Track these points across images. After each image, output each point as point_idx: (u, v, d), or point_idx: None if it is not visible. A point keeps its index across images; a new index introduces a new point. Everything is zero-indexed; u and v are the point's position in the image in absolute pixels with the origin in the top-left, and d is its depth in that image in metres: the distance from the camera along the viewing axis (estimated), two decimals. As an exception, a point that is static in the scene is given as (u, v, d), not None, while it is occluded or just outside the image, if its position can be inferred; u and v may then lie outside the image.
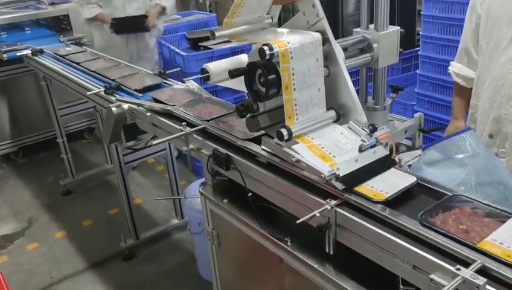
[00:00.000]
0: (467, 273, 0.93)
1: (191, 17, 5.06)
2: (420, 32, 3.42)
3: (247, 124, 1.40)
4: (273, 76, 1.27)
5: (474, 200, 1.16)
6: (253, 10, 1.38)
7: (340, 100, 1.39)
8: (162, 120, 1.91)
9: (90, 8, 3.98)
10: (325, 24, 1.33)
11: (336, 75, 1.37)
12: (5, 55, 3.67)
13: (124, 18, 3.97)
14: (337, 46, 1.36)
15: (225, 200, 1.64)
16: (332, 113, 1.37)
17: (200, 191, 1.75)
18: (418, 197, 1.23)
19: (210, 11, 6.65)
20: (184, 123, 1.78)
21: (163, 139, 1.82)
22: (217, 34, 1.37)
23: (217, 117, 1.78)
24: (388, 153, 1.34)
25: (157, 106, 1.99)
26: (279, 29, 1.41)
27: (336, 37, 1.37)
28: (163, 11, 4.12)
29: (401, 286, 1.14)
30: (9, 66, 4.20)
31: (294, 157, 1.30)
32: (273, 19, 1.44)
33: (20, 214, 3.85)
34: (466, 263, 0.97)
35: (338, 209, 1.20)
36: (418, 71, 3.51)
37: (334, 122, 1.38)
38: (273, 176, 1.40)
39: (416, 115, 1.59)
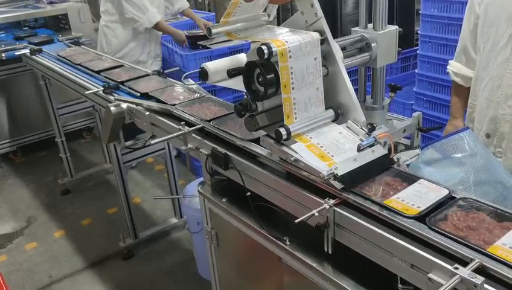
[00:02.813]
0: (464, 272, 0.93)
1: (190, 16, 5.04)
2: (419, 32, 3.42)
3: (246, 124, 1.40)
4: (272, 75, 1.27)
5: (480, 202, 1.15)
6: (249, 9, 1.38)
7: (338, 99, 1.39)
8: (160, 119, 1.91)
9: (154, 13, 3.88)
10: (324, 23, 1.33)
11: (335, 75, 1.37)
12: (3, 55, 3.67)
13: (197, 35, 4.08)
14: (335, 45, 1.37)
15: (224, 200, 1.65)
16: (331, 112, 1.37)
17: (198, 191, 1.75)
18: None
19: (209, 10, 6.65)
20: (183, 122, 1.78)
21: (161, 139, 1.83)
22: (213, 30, 1.37)
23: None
24: (387, 152, 1.34)
25: (156, 106, 1.99)
26: (275, 27, 1.41)
27: (335, 36, 1.37)
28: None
29: (400, 285, 1.15)
30: (7, 66, 4.20)
31: (292, 156, 1.30)
32: (270, 16, 1.45)
33: (19, 213, 3.85)
34: (464, 262, 0.97)
35: (336, 209, 1.20)
36: (416, 70, 3.51)
37: (333, 121, 1.38)
38: (271, 175, 1.40)
39: (415, 114, 1.59)
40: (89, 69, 2.80)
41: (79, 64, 2.91)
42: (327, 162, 1.26)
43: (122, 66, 2.81)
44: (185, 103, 2.00)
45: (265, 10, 1.45)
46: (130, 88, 2.36)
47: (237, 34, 1.41)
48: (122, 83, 2.44)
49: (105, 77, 2.61)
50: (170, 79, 2.45)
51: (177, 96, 2.13)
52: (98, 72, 2.70)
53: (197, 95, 2.11)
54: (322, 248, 1.27)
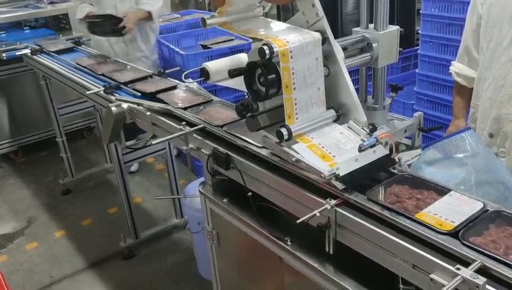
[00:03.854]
0: (466, 273, 0.93)
1: (190, 16, 5.06)
2: (419, 31, 3.42)
3: (247, 124, 1.40)
4: (273, 76, 1.27)
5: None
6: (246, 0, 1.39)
7: (340, 99, 1.39)
8: (161, 119, 1.91)
9: (82, 7, 3.77)
10: (325, 23, 1.33)
11: (336, 75, 1.37)
12: (4, 55, 3.67)
13: (96, 18, 3.63)
14: (336, 45, 1.36)
15: (225, 200, 1.64)
16: (332, 112, 1.37)
17: (199, 191, 1.75)
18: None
19: (209, 10, 6.65)
20: (184, 123, 1.78)
21: (162, 139, 1.83)
22: (208, 21, 1.37)
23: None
24: (388, 152, 1.34)
25: (157, 106, 1.99)
26: (270, 21, 1.41)
27: (336, 37, 1.37)
28: (147, 16, 3.78)
29: (401, 286, 1.15)
30: (8, 66, 4.20)
31: (294, 157, 1.30)
32: (265, 8, 1.45)
33: (20, 213, 3.85)
34: (466, 263, 0.97)
35: (338, 209, 1.20)
36: (417, 70, 3.51)
37: (334, 121, 1.38)
38: (273, 175, 1.40)
39: (416, 114, 1.59)
40: (113, 80, 2.53)
41: (102, 75, 2.64)
42: (328, 163, 1.26)
43: (150, 76, 2.52)
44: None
45: (260, 2, 1.46)
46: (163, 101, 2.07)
47: (232, 24, 1.41)
48: (153, 94, 2.18)
49: (133, 88, 2.34)
50: (170, 79, 2.45)
51: (219, 116, 1.83)
52: (125, 83, 2.42)
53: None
54: (324, 248, 1.27)
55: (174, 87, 2.27)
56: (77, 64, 2.95)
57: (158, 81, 2.45)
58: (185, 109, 1.91)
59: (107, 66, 2.84)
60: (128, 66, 2.82)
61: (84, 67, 2.86)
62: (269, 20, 1.44)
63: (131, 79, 2.48)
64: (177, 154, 4.07)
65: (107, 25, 3.63)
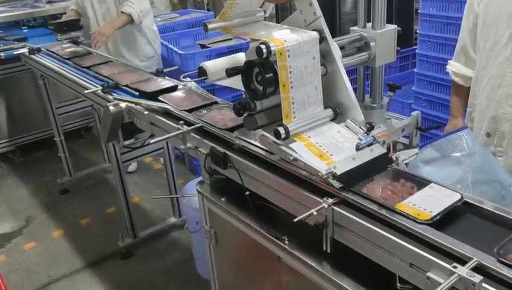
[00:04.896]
0: (463, 271, 0.93)
1: (188, 15, 5.06)
2: (417, 31, 3.43)
3: (245, 123, 1.40)
4: (271, 74, 1.27)
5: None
6: (246, 5, 1.39)
7: (337, 99, 1.39)
8: (159, 119, 1.91)
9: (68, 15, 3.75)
10: (322, 23, 1.33)
11: (333, 74, 1.37)
12: (2, 54, 3.66)
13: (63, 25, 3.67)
14: (334, 44, 1.37)
15: (223, 199, 1.65)
16: (329, 111, 1.37)
17: (197, 190, 1.75)
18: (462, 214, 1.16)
19: (208, 10, 6.64)
20: (181, 122, 1.78)
21: (160, 138, 1.83)
22: (209, 26, 1.37)
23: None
24: (385, 151, 1.34)
25: (155, 105, 1.99)
26: (272, 24, 1.41)
27: (333, 36, 1.37)
28: (129, 20, 3.55)
29: (398, 284, 1.15)
30: (6, 65, 4.19)
31: (291, 155, 1.30)
32: (266, 12, 1.45)
33: (18, 212, 3.85)
34: (463, 261, 0.97)
35: (335, 208, 1.20)
36: (415, 70, 3.51)
37: (332, 120, 1.38)
38: (270, 174, 1.40)
39: (414, 113, 1.59)
40: (139, 90, 2.26)
41: (126, 86, 2.37)
42: (326, 161, 1.26)
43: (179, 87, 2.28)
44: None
45: (261, 6, 1.45)
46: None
47: (234, 29, 1.41)
48: (190, 110, 1.90)
49: (162, 101, 2.07)
50: (168, 78, 2.44)
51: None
52: (155, 94, 2.17)
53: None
54: (321, 247, 1.27)
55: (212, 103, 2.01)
56: (96, 72, 2.76)
57: (193, 94, 2.18)
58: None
59: (131, 76, 2.58)
60: (154, 77, 2.51)
61: (106, 77, 2.61)
62: (270, 23, 1.44)
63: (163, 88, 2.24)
64: (175, 158, 4.06)
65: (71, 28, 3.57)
